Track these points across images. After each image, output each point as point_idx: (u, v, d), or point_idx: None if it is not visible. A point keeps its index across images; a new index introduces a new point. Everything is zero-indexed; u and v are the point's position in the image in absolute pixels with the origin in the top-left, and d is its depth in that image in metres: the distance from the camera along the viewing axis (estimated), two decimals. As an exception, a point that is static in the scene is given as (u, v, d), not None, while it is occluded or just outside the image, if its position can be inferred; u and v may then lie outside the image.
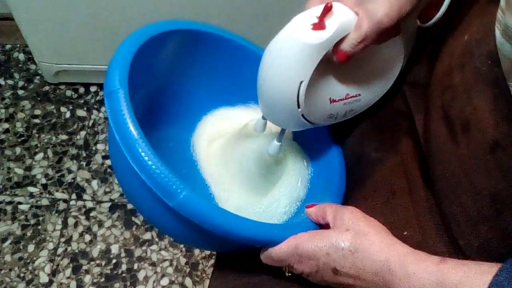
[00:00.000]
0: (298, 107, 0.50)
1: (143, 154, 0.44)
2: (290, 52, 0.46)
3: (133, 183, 0.48)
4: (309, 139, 0.65)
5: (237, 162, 0.61)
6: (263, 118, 0.57)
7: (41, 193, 1.29)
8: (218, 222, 0.45)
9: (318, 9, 0.47)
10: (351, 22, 0.47)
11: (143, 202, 0.50)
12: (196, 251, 1.22)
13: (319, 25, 0.46)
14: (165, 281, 1.18)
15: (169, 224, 0.50)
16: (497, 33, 0.40)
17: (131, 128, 0.45)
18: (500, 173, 0.42)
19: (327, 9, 0.45)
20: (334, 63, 0.49)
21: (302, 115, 0.51)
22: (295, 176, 0.62)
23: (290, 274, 0.52)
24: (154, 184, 0.44)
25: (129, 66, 0.50)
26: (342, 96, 0.54)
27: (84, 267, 1.19)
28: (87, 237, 1.23)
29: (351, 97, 0.54)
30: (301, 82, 0.48)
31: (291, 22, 0.48)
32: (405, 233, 0.50)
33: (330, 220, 0.49)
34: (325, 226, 0.51)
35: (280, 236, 0.49)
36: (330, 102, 0.53)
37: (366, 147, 0.61)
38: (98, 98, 1.45)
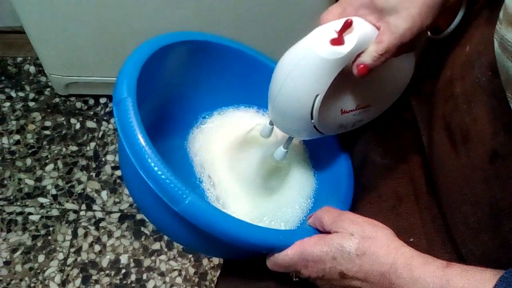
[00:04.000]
0: (311, 118, 0.50)
1: (149, 160, 0.45)
2: (308, 66, 0.47)
3: (141, 189, 0.49)
4: (316, 146, 0.66)
5: (242, 167, 0.62)
6: (270, 124, 0.58)
7: (51, 204, 1.30)
8: (223, 227, 0.45)
9: (337, 23, 0.47)
10: (370, 37, 0.47)
11: (151, 208, 0.51)
12: (205, 261, 1.22)
13: (338, 41, 0.46)
14: (174, 291, 1.18)
15: (176, 230, 0.50)
16: (495, 44, 0.40)
17: (138, 135, 0.46)
18: (499, 183, 0.43)
19: (347, 25, 0.45)
20: (347, 74, 0.49)
21: (314, 126, 0.52)
22: (301, 183, 0.63)
23: (297, 279, 0.52)
24: (160, 189, 0.44)
25: (137, 76, 0.51)
26: (353, 107, 0.54)
27: (94, 277, 1.20)
28: (97, 247, 1.24)
29: (361, 108, 0.54)
30: (316, 96, 0.48)
31: (309, 36, 0.48)
32: (411, 239, 0.50)
33: (328, 227, 0.49)
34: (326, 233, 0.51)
35: (285, 241, 0.49)
36: (342, 113, 0.54)
37: (371, 153, 0.61)
38: (107, 109, 1.47)
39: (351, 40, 0.46)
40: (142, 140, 0.46)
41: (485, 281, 0.38)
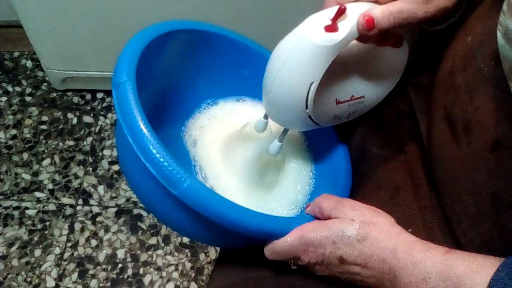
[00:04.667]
0: (306, 108, 0.50)
1: (148, 143, 0.45)
2: (302, 53, 0.46)
3: (139, 173, 0.49)
4: (314, 138, 0.66)
5: (237, 162, 0.62)
6: (265, 117, 0.57)
7: (48, 198, 1.30)
8: (222, 212, 0.45)
9: (332, 10, 0.47)
10: None
11: (149, 194, 0.51)
12: (202, 256, 1.22)
13: (331, 27, 0.46)
14: (170, 286, 1.18)
15: (174, 215, 0.50)
16: (499, 35, 0.40)
17: (137, 117, 0.46)
18: (500, 173, 0.43)
19: (341, 12, 0.45)
20: (341, 64, 0.49)
21: (309, 116, 0.52)
22: (298, 176, 0.62)
23: (295, 267, 0.52)
24: (159, 173, 0.44)
25: (137, 61, 0.50)
26: (347, 98, 0.54)
27: (91, 272, 1.20)
28: (93, 242, 1.24)
29: (355, 98, 0.55)
30: (311, 83, 0.48)
31: (303, 23, 0.48)
32: (409, 230, 0.50)
33: (328, 213, 0.49)
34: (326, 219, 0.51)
35: (284, 228, 0.49)
36: (336, 104, 0.54)
37: (369, 144, 0.61)
38: (104, 104, 1.47)
39: (345, 27, 0.46)
40: (141, 123, 0.45)
41: (486, 267, 0.38)
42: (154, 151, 0.44)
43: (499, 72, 0.41)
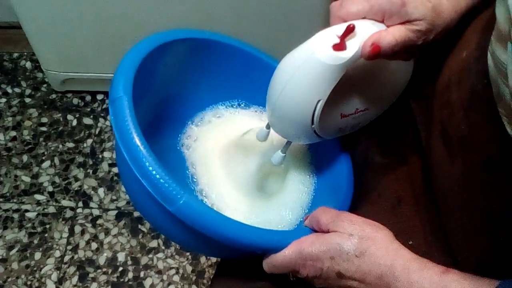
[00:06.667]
0: (312, 123, 0.50)
1: (144, 160, 0.45)
2: (309, 72, 0.46)
3: (136, 188, 0.49)
4: (317, 147, 0.65)
5: (238, 171, 0.61)
6: (267, 127, 0.57)
7: (48, 201, 1.29)
8: (218, 228, 0.45)
9: (340, 27, 0.46)
10: None
11: (147, 208, 0.51)
12: (202, 259, 1.21)
13: (340, 46, 0.45)
14: (171, 289, 1.18)
15: (171, 230, 0.50)
16: (489, 56, 0.40)
17: (133, 134, 0.46)
18: (494, 191, 0.43)
19: (349, 30, 0.45)
20: (347, 79, 0.48)
21: (314, 131, 0.51)
22: (300, 186, 0.62)
23: (294, 278, 0.52)
24: (154, 190, 0.44)
25: (134, 74, 0.50)
26: (352, 111, 0.54)
27: (91, 275, 1.19)
28: (94, 245, 1.23)
29: (360, 111, 0.54)
30: (318, 101, 0.48)
31: (311, 39, 0.47)
32: (410, 242, 0.50)
33: (326, 226, 0.48)
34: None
35: (281, 242, 0.48)
36: (341, 117, 0.54)
37: (371, 152, 0.61)
38: (104, 106, 1.46)
39: (353, 45, 0.45)
40: (137, 140, 0.45)
41: None
42: (150, 168, 0.44)
43: (491, 90, 0.41)
